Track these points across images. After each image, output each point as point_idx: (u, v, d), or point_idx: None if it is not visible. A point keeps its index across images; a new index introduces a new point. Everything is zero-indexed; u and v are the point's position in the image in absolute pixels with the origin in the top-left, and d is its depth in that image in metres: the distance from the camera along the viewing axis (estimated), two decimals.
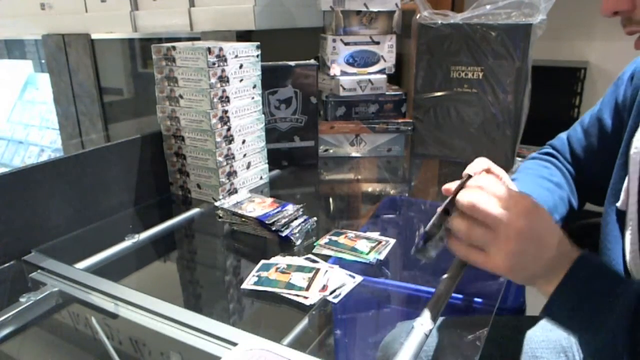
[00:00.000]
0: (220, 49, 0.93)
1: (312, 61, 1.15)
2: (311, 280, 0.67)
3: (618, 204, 0.64)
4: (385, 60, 1.24)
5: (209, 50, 0.91)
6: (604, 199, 0.70)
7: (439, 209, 0.53)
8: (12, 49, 2.46)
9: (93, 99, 1.88)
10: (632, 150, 0.63)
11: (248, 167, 1.05)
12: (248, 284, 0.68)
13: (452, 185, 0.56)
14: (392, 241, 0.79)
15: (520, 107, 1.16)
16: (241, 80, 1.00)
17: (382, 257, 0.75)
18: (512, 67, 1.13)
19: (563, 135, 0.86)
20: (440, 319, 0.60)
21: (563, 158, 0.84)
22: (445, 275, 0.67)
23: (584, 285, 0.51)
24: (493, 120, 1.19)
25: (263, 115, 1.07)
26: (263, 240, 0.84)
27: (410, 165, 1.28)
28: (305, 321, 0.61)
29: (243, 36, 1.34)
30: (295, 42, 1.49)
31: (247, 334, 0.58)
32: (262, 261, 0.73)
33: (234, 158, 1.00)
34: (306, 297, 0.64)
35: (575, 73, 1.79)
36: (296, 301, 0.64)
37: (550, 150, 0.86)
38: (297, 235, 0.82)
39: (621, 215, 0.64)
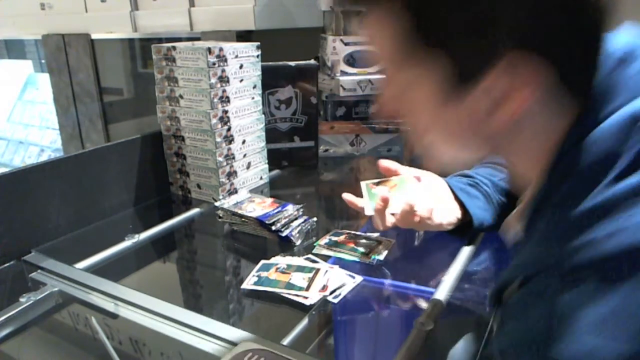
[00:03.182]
0: (220, 49, 0.93)
1: (312, 61, 1.15)
2: (311, 280, 0.67)
3: None
4: None
5: (209, 50, 0.91)
6: None
7: None
8: (12, 49, 2.46)
9: (93, 99, 1.88)
10: None
11: (248, 167, 1.05)
12: (248, 284, 0.68)
13: None
14: (392, 241, 0.79)
15: None
16: (241, 81, 1.00)
17: (382, 257, 0.75)
18: None
19: None
20: (441, 320, 0.60)
21: None
22: (444, 276, 0.67)
23: None
24: None
25: (263, 115, 1.07)
26: (263, 240, 0.84)
27: (410, 165, 1.28)
28: (305, 321, 0.61)
29: (243, 36, 1.34)
30: (295, 42, 1.49)
31: (247, 334, 0.57)
32: (262, 261, 0.73)
33: (234, 158, 1.00)
34: (306, 297, 0.64)
35: None
36: (296, 301, 0.64)
37: None
38: (297, 235, 0.82)
39: None
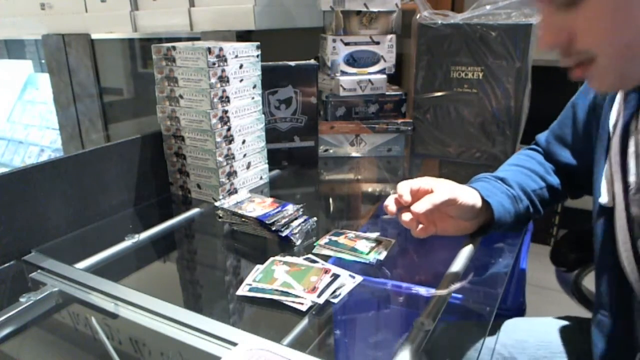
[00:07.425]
0: (220, 49, 0.93)
1: (312, 61, 1.15)
2: (311, 282, 0.67)
3: (600, 200, 0.65)
4: (385, 60, 1.24)
5: (209, 50, 0.91)
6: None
7: None
8: (12, 49, 2.46)
9: (93, 99, 1.88)
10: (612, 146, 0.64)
11: (248, 167, 1.05)
12: (243, 290, 0.68)
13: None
14: (392, 241, 0.79)
15: (520, 107, 1.16)
16: (241, 80, 1.00)
17: (382, 257, 0.75)
18: (512, 67, 1.13)
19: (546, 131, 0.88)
20: (440, 320, 0.60)
21: (542, 150, 0.87)
22: (447, 273, 0.67)
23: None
24: (493, 120, 1.19)
25: (263, 115, 1.07)
26: (263, 240, 0.84)
27: (410, 165, 1.28)
28: (305, 321, 0.61)
29: (243, 36, 1.34)
30: (295, 42, 1.49)
31: (247, 334, 0.57)
32: (257, 266, 0.73)
33: (234, 158, 1.00)
34: (302, 304, 0.64)
35: None
36: (296, 302, 0.64)
37: (533, 146, 0.90)
38: (297, 235, 0.82)
39: (604, 211, 0.65)
